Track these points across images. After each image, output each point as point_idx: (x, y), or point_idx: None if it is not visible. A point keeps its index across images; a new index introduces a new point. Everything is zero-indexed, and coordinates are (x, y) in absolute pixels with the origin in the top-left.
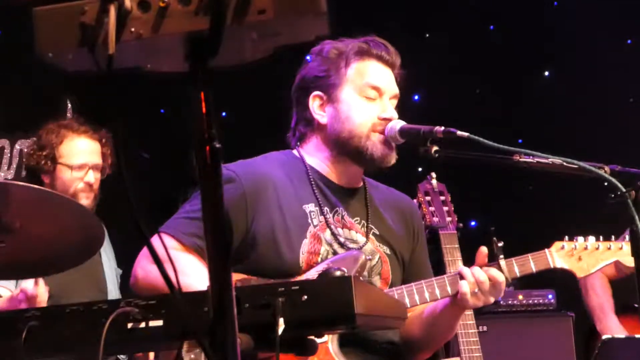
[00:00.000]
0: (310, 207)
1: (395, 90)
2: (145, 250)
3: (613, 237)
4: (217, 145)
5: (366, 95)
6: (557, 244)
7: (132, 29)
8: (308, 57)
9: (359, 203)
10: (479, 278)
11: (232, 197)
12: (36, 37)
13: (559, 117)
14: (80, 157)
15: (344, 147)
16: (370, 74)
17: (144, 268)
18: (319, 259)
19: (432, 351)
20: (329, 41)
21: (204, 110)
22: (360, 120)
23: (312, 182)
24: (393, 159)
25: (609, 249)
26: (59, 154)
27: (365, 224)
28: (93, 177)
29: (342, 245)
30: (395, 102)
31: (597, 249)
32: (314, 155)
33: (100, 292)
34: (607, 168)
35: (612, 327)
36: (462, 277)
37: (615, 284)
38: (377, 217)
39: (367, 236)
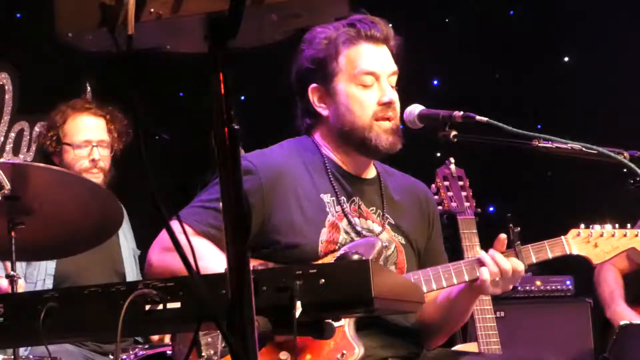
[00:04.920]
0: (327, 197)
1: (391, 68)
2: (159, 237)
3: (629, 225)
4: (236, 127)
5: (362, 82)
6: (573, 231)
7: (152, 9)
8: (301, 45)
9: (374, 192)
10: (504, 267)
11: (249, 189)
12: (56, 17)
13: (578, 102)
14: (83, 134)
15: (348, 139)
16: (362, 60)
17: (159, 255)
18: (337, 247)
19: (447, 335)
20: (319, 28)
21: (222, 91)
22: (361, 111)
23: (329, 172)
24: (398, 145)
25: (625, 236)
26: (63, 134)
27: (381, 214)
28: (98, 153)
29: (359, 234)
30: (394, 79)
31: (613, 236)
32: (324, 145)
33: (117, 274)
34: (626, 154)
35: (621, 312)
36: (481, 264)
37: (627, 276)
38: (392, 206)
39: (383, 226)
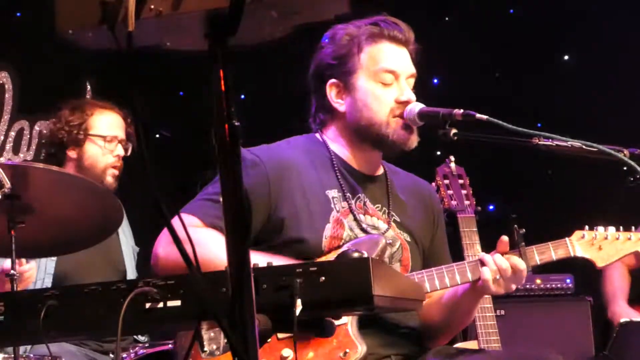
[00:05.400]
0: (333, 193)
1: (411, 69)
2: (166, 230)
3: (633, 227)
4: (236, 123)
5: (382, 80)
6: (578, 233)
7: (152, 6)
8: (321, 43)
9: (380, 190)
10: (500, 265)
11: (256, 182)
12: (56, 14)
13: (578, 101)
14: (112, 130)
15: (365, 135)
16: (384, 58)
17: (165, 248)
18: (341, 243)
19: (451, 336)
20: (341, 25)
21: (223, 88)
22: (379, 107)
23: (336, 168)
24: (414, 142)
25: (629, 239)
26: (90, 125)
27: (387, 211)
28: (122, 151)
29: (364, 231)
30: (412, 81)
31: (618, 239)
32: (335, 141)
33: (117, 272)
34: (626, 151)
35: (621, 312)
36: (483, 264)
37: (634, 273)
38: (397, 204)
39: (388, 223)
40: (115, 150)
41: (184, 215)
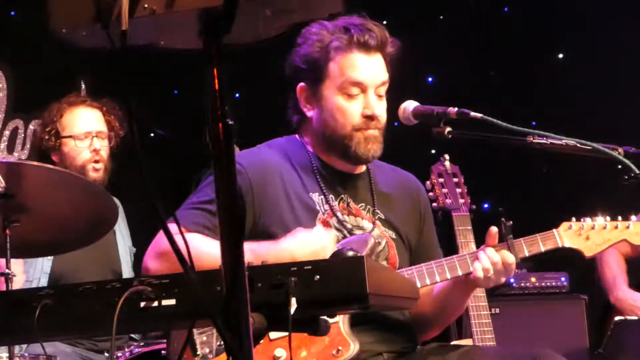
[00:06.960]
0: (315, 197)
1: (381, 78)
2: (155, 242)
3: (620, 217)
4: (230, 122)
5: (348, 92)
6: (565, 224)
7: (146, 5)
8: (297, 40)
9: (363, 188)
10: (492, 259)
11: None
12: (50, 13)
13: (572, 99)
14: (82, 126)
15: (329, 143)
16: (352, 69)
17: (155, 259)
18: None
19: (441, 328)
20: (314, 26)
21: (217, 86)
22: (342, 120)
23: (316, 171)
24: (378, 152)
25: (616, 228)
26: (61, 128)
27: (372, 210)
28: (99, 144)
29: (349, 232)
30: (384, 88)
31: (605, 228)
32: (311, 143)
33: (114, 272)
34: (620, 150)
35: (626, 296)
36: (475, 260)
37: (630, 262)
38: (382, 201)
39: (373, 222)
40: (92, 144)
41: (170, 225)
